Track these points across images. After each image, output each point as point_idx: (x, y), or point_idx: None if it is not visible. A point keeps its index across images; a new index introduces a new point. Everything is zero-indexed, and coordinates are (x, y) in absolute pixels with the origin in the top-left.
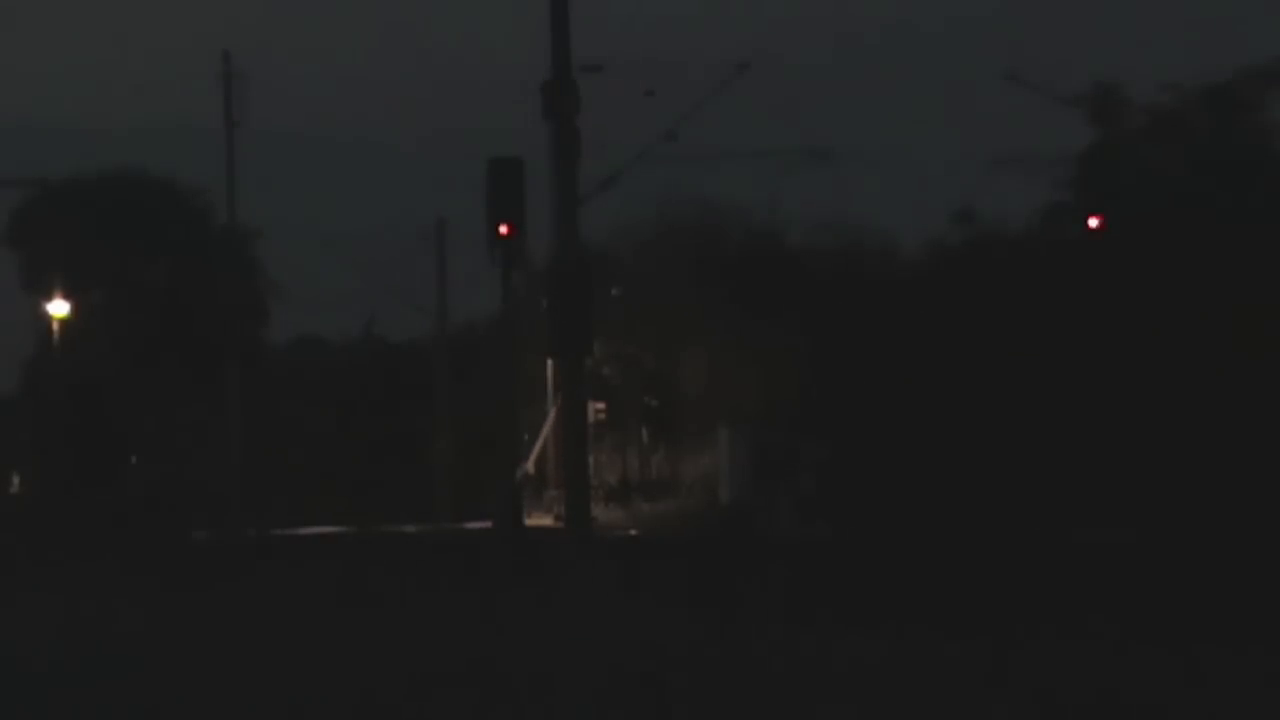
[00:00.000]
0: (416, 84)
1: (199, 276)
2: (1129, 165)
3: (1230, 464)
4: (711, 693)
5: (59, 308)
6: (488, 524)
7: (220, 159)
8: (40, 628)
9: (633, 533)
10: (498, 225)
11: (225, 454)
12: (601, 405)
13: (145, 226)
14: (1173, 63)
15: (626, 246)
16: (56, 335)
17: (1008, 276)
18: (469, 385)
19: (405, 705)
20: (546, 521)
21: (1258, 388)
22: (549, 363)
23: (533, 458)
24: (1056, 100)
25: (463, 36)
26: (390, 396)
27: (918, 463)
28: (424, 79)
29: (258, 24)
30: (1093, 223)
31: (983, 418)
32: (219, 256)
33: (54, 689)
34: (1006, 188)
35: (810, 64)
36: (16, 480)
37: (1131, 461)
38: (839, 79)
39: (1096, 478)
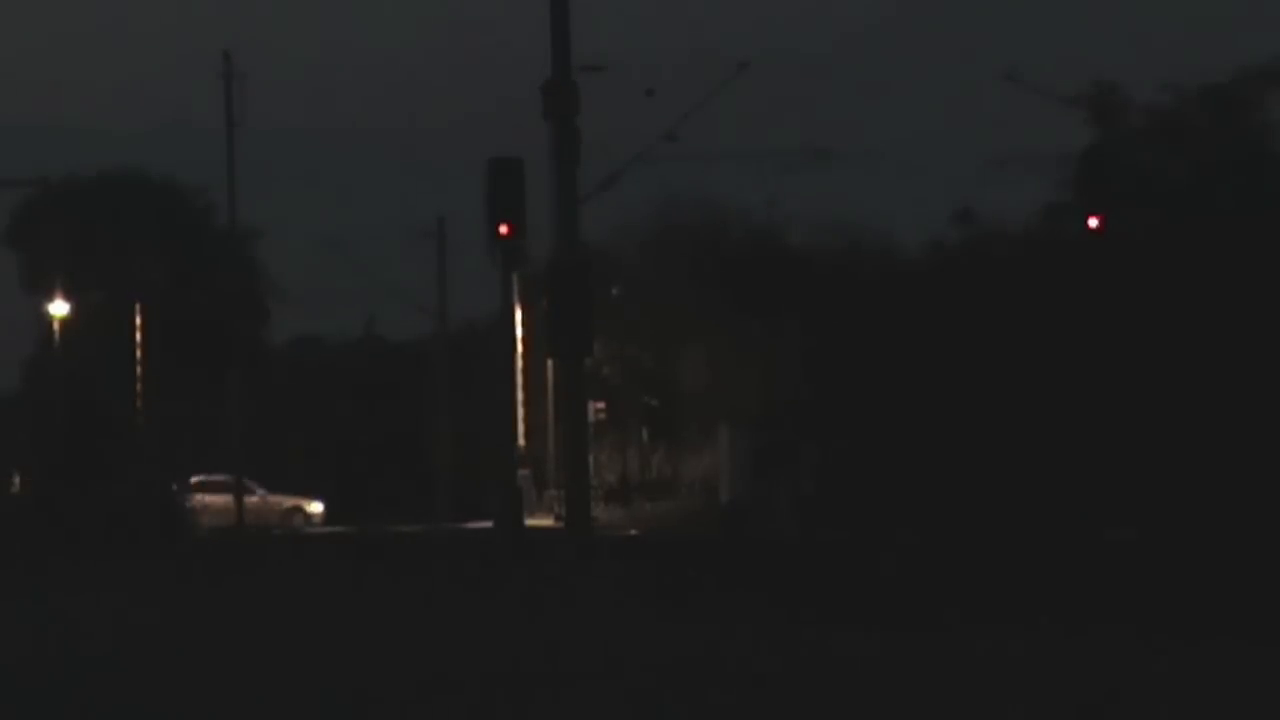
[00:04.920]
0: (417, 83)
1: (199, 276)
2: (1129, 165)
3: (1231, 462)
4: (712, 695)
5: (59, 308)
6: (488, 524)
7: (220, 159)
8: (39, 628)
9: (633, 532)
10: (498, 225)
11: (226, 453)
12: (601, 405)
13: (145, 226)
14: (1173, 63)
15: (626, 246)
16: (56, 335)
17: (1007, 276)
18: (469, 385)
19: (403, 708)
20: (547, 522)
21: (1258, 387)
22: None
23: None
24: (1056, 100)
25: (463, 36)
26: (390, 396)
27: (918, 462)
28: (424, 78)
29: (258, 24)
30: (1093, 223)
31: (983, 417)
32: (219, 256)
33: (51, 690)
34: (1006, 188)
35: (810, 64)
36: (17, 480)
37: (1131, 460)
38: (839, 79)
39: (1096, 477)
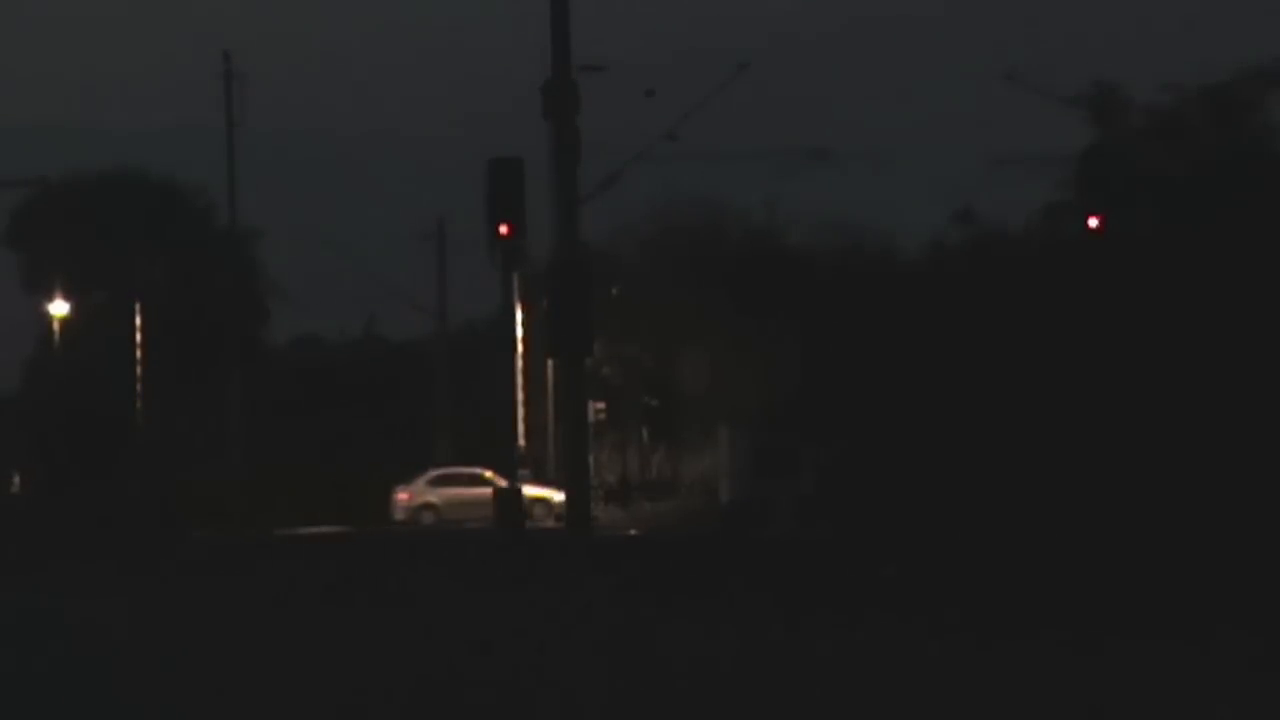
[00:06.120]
0: (417, 84)
1: (199, 276)
2: (1129, 165)
3: (1230, 465)
4: (711, 694)
5: (59, 308)
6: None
7: (220, 159)
8: (35, 627)
9: (633, 532)
10: (498, 225)
11: (226, 454)
12: (601, 405)
13: (145, 226)
14: (1173, 63)
15: (626, 246)
16: (56, 335)
17: (1008, 276)
18: (469, 385)
19: (402, 709)
20: (547, 523)
21: (1258, 388)
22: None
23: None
24: (1056, 100)
25: (463, 36)
26: (390, 397)
27: (918, 463)
28: (425, 79)
29: (258, 24)
30: (1093, 223)
31: (982, 417)
32: (219, 256)
33: (44, 690)
34: (1006, 188)
35: (810, 64)
36: (16, 480)
37: (1130, 462)
38: (839, 79)
39: (1095, 478)
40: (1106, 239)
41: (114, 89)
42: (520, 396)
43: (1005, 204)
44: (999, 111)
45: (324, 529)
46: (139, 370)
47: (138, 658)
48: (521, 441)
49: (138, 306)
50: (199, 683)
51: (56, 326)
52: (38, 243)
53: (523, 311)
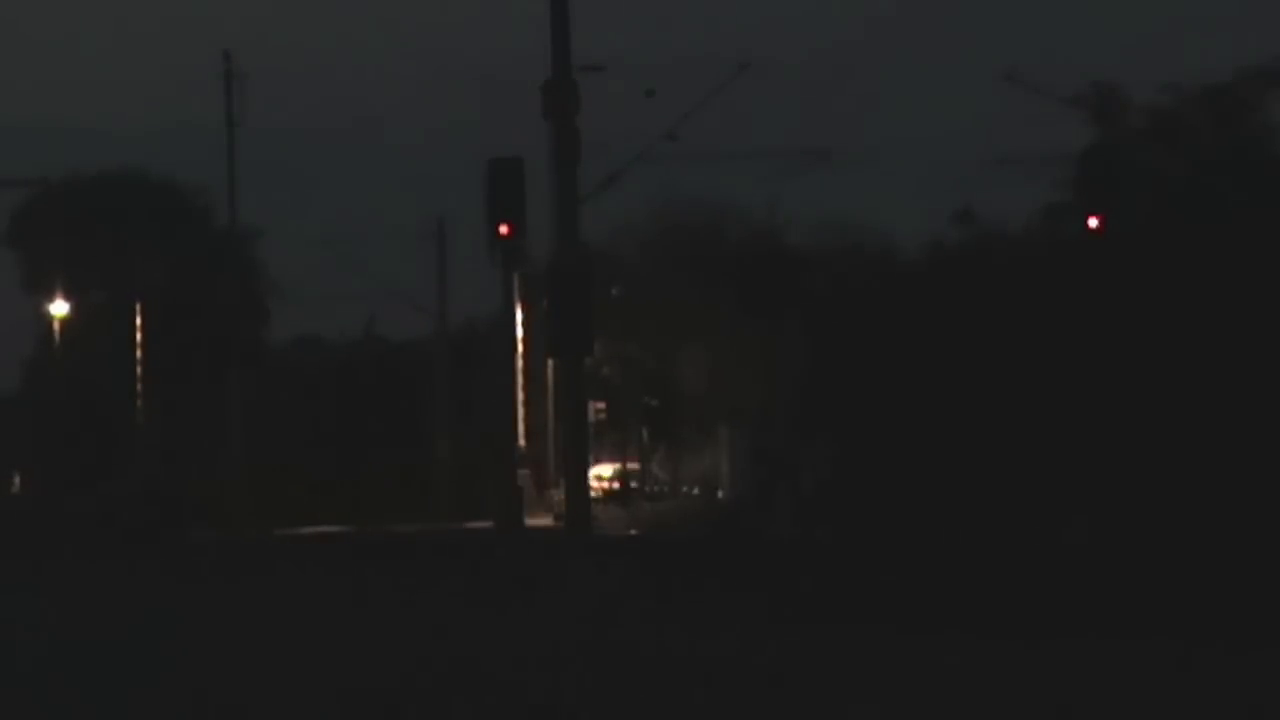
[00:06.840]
0: (417, 83)
1: (199, 276)
2: (1129, 165)
3: (1231, 465)
4: (710, 695)
5: (59, 308)
6: (488, 524)
7: (220, 159)
8: (32, 628)
9: (633, 532)
10: (498, 225)
11: (226, 454)
12: (601, 405)
13: (145, 226)
14: (1173, 63)
15: (626, 246)
16: (56, 335)
17: (1007, 276)
18: (469, 385)
19: (400, 709)
20: (547, 522)
21: (1258, 389)
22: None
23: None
24: (1056, 100)
25: (463, 36)
26: (390, 397)
27: (917, 463)
28: (424, 79)
29: (258, 24)
30: (1093, 223)
31: (982, 417)
32: (219, 256)
33: (41, 691)
34: (1006, 188)
35: (810, 64)
36: (17, 480)
37: (1130, 462)
38: (839, 79)
39: (1095, 479)
40: (1106, 239)
41: (114, 89)
42: (520, 396)
43: (1005, 204)
44: (999, 111)
45: (324, 529)
46: (139, 370)
47: (136, 658)
48: (521, 441)
49: (138, 306)
50: (193, 686)
51: (56, 326)
52: (38, 243)
53: (523, 311)
